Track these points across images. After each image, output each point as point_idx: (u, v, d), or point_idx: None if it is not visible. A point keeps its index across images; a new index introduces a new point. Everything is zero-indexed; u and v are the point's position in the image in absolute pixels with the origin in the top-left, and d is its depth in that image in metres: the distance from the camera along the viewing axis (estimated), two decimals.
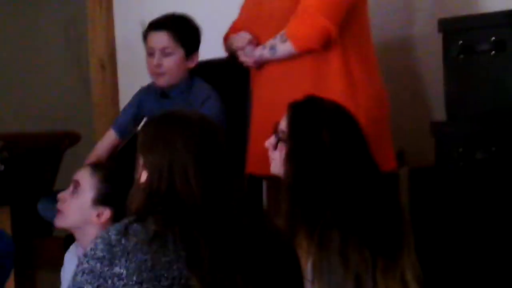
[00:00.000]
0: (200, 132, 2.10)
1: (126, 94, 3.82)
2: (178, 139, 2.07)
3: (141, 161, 2.12)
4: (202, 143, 2.08)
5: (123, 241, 1.87)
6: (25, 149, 3.49)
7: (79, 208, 2.62)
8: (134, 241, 1.87)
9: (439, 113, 3.12)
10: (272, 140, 2.43)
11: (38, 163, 3.54)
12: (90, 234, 2.52)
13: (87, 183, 2.64)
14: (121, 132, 3.32)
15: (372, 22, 3.06)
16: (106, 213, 2.59)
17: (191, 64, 3.23)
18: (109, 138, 3.36)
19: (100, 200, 2.61)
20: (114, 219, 2.54)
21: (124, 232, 1.89)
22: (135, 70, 3.86)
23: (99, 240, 1.89)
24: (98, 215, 2.59)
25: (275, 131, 2.43)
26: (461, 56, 2.90)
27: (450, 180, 2.89)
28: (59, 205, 2.66)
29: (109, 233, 1.90)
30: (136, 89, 3.41)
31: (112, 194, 2.60)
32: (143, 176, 2.08)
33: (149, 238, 1.87)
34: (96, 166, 2.74)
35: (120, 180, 2.56)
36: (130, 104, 3.38)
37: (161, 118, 2.17)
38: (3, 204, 3.55)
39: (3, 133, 3.15)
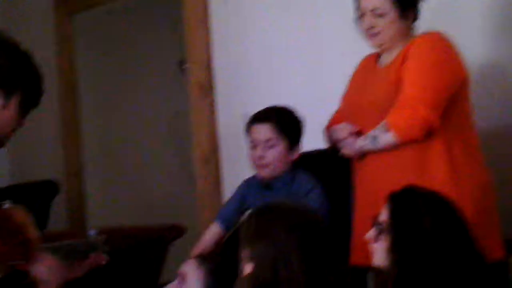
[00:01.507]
0: (303, 223, 2.13)
1: (230, 186, 3.86)
2: (282, 230, 2.10)
3: (245, 253, 2.15)
4: (305, 234, 2.11)
5: None
6: (131, 243, 3.55)
7: None
8: None
9: None
10: (372, 232, 2.42)
11: (144, 256, 3.59)
12: None
13: (193, 276, 2.68)
14: (225, 224, 3.33)
15: (476, 107, 3.05)
16: None
17: (294, 156, 3.25)
18: (213, 231, 3.37)
19: None
20: None
21: None
22: (238, 162, 3.92)
23: None
24: None
25: (375, 222, 2.41)
26: None
27: None
28: None
29: None
30: (239, 181, 3.44)
31: (217, 287, 2.63)
32: (248, 268, 2.11)
33: None
34: (202, 259, 2.76)
35: (226, 273, 2.59)
36: (233, 196, 3.41)
37: (264, 210, 2.20)
38: None
39: (109, 227, 3.21)
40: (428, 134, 2.89)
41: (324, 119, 3.27)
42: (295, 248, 2.08)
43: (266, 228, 2.12)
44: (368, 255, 2.49)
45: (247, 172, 3.40)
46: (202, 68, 4.33)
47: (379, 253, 2.40)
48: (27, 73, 2.59)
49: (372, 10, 3.02)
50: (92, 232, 2.97)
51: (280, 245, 2.08)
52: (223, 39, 4.35)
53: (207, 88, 4.31)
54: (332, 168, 3.33)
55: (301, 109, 3.32)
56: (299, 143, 3.27)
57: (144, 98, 5.53)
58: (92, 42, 5.51)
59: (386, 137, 2.92)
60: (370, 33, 3.05)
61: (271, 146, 3.21)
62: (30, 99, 2.62)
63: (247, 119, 3.31)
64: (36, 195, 4.60)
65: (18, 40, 2.63)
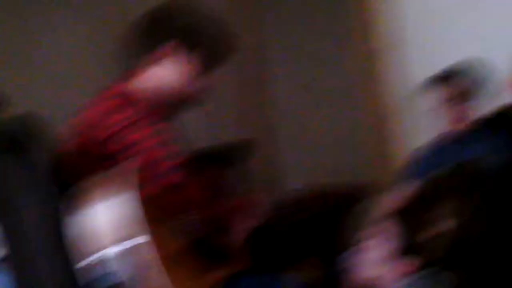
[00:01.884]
0: (500, 175, 2.10)
1: (411, 146, 3.83)
2: (482, 187, 2.08)
3: (442, 209, 2.14)
4: (505, 191, 2.08)
5: None
6: (321, 204, 3.58)
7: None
8: None
9: None
10: None
11: (332, 217, 3.61)
12: None
13: (384, 234, 2.65)
14: (412, 182, 3.31)
15: None
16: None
17: (479, 113, 3.26)
18: (399, 190, 3.37)
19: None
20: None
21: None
22: (424, 120, 3.86)
23: None
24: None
25: None
26: None
27: None
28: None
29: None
30: (420, 140, 3.43)
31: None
32: (444, 225, 2.10)
33: None
34: (389, 216, 2.71)
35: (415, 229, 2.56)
36: (419, 154, 3.40)
37: (462, 168, 2.18)
38: (311, 256, 3.62)
39: (302, 188, 3.25)
40: None
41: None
42: (495, 205, 2.05)
43: (466, 184, 2.10)
44: None
45: (428, 131, 3.37)
46: (381, 32, 4.28)
47: None
48: (204, 34, 2.60)
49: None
50: (296, 188, 3.00)
51: (471, 199, 2.06)
52: (390, 1, 4.27)
53: (382, 54, 4.27)
54: None
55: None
56: (483, 100, 3.22)
57: (327, 61, 5.52)
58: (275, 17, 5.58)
59: None
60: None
61: (457, 104, 3.21)
62: (210, 58, 2.63)
63: (427, 79, 3.29)
64: (231, 156, 4.70)
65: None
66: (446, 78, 3.26)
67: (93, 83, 3.12)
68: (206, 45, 2.59)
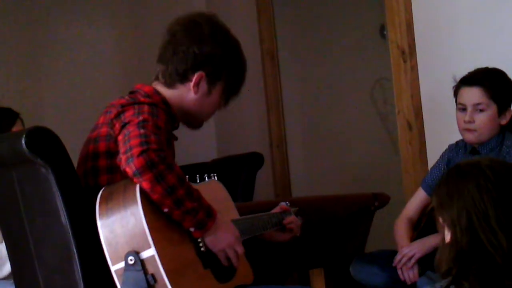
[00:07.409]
0: (494, 177, 2.00)
1: (434, 152, 3.78)
2: (471, 188, 1.99)
3: (440, 219, 2.07)
4: (497, 187, 1.99)
5: None
6: (336, 212, 3.54)
7: None
8: None
9: None
10: None
11: (349, 225, 3.57)
12: None
13: None
14: (430, 191, 3.26)
15: None
16: None
17: (504, 121, 3.13)
18: (418, 198, 3.32)
19: None
20: None
21: None
22: (442, 128, 3.81)
23: None
24: None
25: None
26: None
27: None
28: None
29: None
30: (443, 147, 3.36)
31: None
32: (446, 234, 2.04)
33: None
34: None
35: None
36: (438, 162, 3.33)
37: (451, 172, 2.10)
38: (317, 267, 3.61)
39: (312, 196, 3.21)
40: None
41: None
42: (489, 203, 1.97)
43: (456, 190, 2.01)
44: None
45: (452, 137, 3.32)
46: (403, 31, 4.22)
47: None
48: (234, 63, 2.66)
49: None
50: (283, 203, 2.98)
51: (473, 204, 1.98)
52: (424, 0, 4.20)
53: (409, 53, 4.20)
54: None
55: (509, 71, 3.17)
56: (510, 108, 3.14)
57: (345, 65, 5.46)
58: (290, 9, 5.51)
59: None
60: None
61: (480, 111, 3.11)
62: (232, 87, 2.68)
63: (455, 82, 3.21)
64: (242, 167, 4.69)
65: (225, 23, 2.68)
66: (470, 83, 3.13)
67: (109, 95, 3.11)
68: (229, 77, 2.65)
